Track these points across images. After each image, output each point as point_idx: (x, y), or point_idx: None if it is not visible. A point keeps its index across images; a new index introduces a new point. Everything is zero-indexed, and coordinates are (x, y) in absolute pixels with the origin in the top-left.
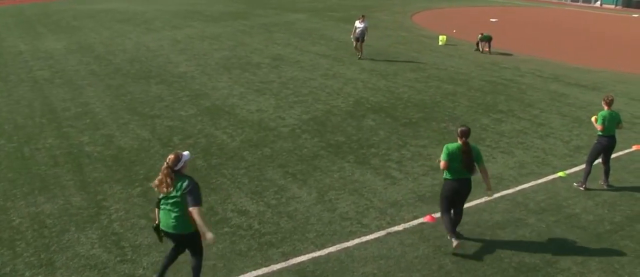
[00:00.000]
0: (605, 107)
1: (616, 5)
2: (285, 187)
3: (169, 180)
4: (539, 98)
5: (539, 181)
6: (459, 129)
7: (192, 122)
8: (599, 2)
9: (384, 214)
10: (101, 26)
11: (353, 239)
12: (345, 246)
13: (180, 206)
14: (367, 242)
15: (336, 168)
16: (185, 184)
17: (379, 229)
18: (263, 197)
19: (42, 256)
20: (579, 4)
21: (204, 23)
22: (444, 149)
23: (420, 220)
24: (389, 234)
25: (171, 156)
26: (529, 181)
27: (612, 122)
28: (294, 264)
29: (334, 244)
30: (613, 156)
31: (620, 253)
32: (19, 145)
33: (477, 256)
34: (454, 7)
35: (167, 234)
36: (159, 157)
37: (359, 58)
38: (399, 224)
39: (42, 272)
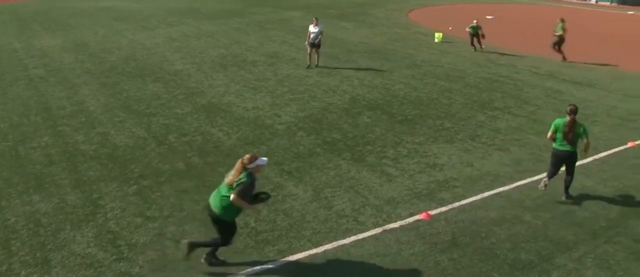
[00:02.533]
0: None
1: (612, 2)
2: (281, 184)
3: (236, 172)
4: (535, 95)
5: (535, 178)
6: (568, 107)
7: (188, 120)
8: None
9: (380, 212)
10: (97, 24)
11: (349, 236)
12: (342, 243)
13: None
14: (363, 239)
15: (332, 165)
16: (242, 176)
17: (375, 226)
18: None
19: (37, 255)
20: (575, 0)
21: (199, 21)
22: (552, 123)
23: (417, 217)
24: (385, 231)
25: (248, 155)
26: (525, 178)
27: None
28: (290, 262)
29: (330, 242)
30: (609, 152)
31: (615, 249)
32: (14, 143)
33: (473, 253)
34: (450, 4)
35: (210, 212)
36: (155, 155)
37: (316, 65)
38: (395, 221)
39: (38, 271)
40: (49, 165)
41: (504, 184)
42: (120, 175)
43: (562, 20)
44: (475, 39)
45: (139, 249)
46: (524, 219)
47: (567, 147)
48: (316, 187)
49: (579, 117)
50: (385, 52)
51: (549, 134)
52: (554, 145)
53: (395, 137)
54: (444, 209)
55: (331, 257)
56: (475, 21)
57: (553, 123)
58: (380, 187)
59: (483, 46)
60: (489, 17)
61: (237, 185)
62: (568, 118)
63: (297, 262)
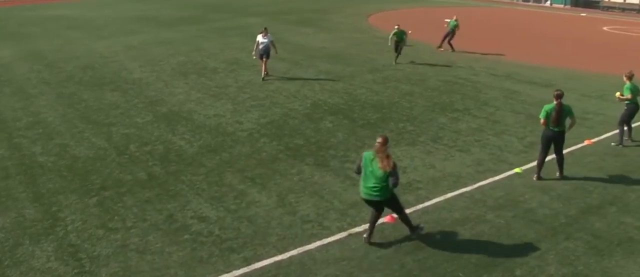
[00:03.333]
0: (626, 81)
1: (565, 4)
2: (244, 191)
3: (386, 158)
4: (494, 96)
5: (496, 178)
6: (555, 92)
7: (148, 129)
8: (549, 2)
9: (345, 216)
10: (51, 33)
11: (314, 241)
12: (307, 248)
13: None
14: (328, 244)
15: (295, 171)
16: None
17: (340, 230)
18: (223, 202)
19: None
20: (529, 3)
21: (158, 28)
22: (543, 109)
23: (381, 220)
24: (350, 235)
25: (381, 139)
26: (487, 178)
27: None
28: (256, 269)
29: (295, 247)
30: (566, 151)
31: (575, 245)
32: None
33: (438, 254)
34: (409, 8)
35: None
36: (116, 165)
37: (263, 79)
38: (360, 224)
39: None
40: (5, 178)
41: (466, 185)
42: (81, 187)
43: (455, 19)
44: (398, 47)
45: (102, 262)
46: (487, 218)
47: (557, 128)
48: (280, 193)
49: (536, 117)
50: (346, 57)
51: (542, 120)
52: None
53: (358, 141)
54: (408, 211)
55: (297, 263)
56: (397, 26)
57: (543, 109)
58: (344, 191)
59: (399, 56)
60: (447, 20)
61: (393, 170)
62: (555, 102)
63: (263, 269)
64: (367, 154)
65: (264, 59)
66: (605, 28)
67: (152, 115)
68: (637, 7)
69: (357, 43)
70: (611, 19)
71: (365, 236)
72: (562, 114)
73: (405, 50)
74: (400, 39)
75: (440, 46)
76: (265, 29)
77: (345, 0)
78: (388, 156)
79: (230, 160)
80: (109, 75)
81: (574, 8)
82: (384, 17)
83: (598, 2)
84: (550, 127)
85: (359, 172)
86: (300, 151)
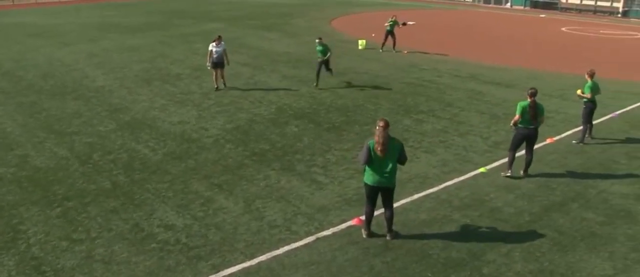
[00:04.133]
0: (588, 79)
1: (525, 6)
2: (211, 198)
3: (384, 140)
4: (458, 97)
5: (462, 178)
6: (529, 91)
7: (112, 137)
8: (509, 4)
9: (312, 220)
10: (10, 40)
11: (282, 246)
12: (275, 254)
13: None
14: (296, 248)
15: (262, 176)
16: (398, 144)
17: (307, 234)
18: (189, 210)
19: None
20: (490, 5)
21: (121, 35)
22: (518, 105)
23: (349, 223)
24: (318, 239)
25: (382, 122)
26: (452, 178)
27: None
28: (224, 276)
29: (263, 253)
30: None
31: (540, 242)
32: None
33: (406, 255)
34: (371, 12)
35: (374, 189)
36: (79, 175)
37: (222, 87)
38: (328, 228)
39: None
40: None
41: (432, 186)
42: (43, 198)
43: (394, 18)
44: (323, 65)
45: (66, 274)
46: (453, 218)
47: (533, 125)
48: (247, 199)
49: (500, 117)
50: (310, 61)
51: (516, 117)
52: (519, 125)
53: (324, 145)
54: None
55: (265, 268)
56: (318, 39)
57: (519, 106)
58: (311, 195)
59: (330, 70)
60: (411, 22)
61: (401, 154)
62: (530, 100)
63: (231, 276)
64: (372, 142)
65: (218, 70)
66: (563, 29)
67: (116, 123)
68: (592, 9)
69: None
70: (569, 20)
71: (366, 232)
72: (537, 111)
73: (369, 52)
74: (323, 54)
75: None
76: (219, 37)
77: (308, 5)
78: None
79: (196, 167)
80: (70, 84)
81: (533, 9)
82: (347, 21)
83: (556, 4)
84: (526, 125)
85: (366, 162)
86: (266, 156)
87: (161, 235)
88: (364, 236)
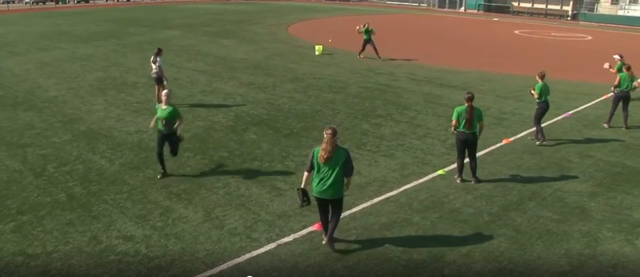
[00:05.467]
0: (539, 80)
1: (478, 10)
2: (170, 208)
3: (332, 149)
4: (415, 100)
5: (421, 181)
6: (466, 95)
7: (67, 148)
8: (463, 8)
9: (273, 226)
10: None
11: (244, 254)
12: (237, 262)
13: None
14: (258, 256)
15: (221, 184)
16: (343, 153)
17: (269, 241)
18: (148, 220)
19: None
20: (445, 9)
21: (73, 44)
22: (454, 110)
23: (309, 229)
24: (279, 245)
25: (330, 130)
26: (411, 181)
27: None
28: None
29: (224, 262)
30: (486, 150)
31: (499, 242)
32: None
33: (368, 259)
34: (327, 17)
35: (318, 199)
36: (33, 188)
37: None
38: (289, 234)
39: None
40: None
41: (391, 189)
42: None
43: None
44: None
45: None
46: (413, 221)
47: (469, 131)
48: (207, 208)
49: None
50: (267, 67)
51: (453, 121)
52: (457, 130)
53: (283, 151)
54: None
55: None
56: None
57: (455, 111)
58: (271, 202)
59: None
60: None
61: (346, 164)
62: (466, 104)
63: None
64: (317, 149)
65: (158, 85)
66: (516, 32)
67: (71, 134)
68: (543, 12)
69: (277, 53)
70: (521, 23)
71: (325, 238)
72: (473, 116)
73: (326, 58)
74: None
75: (361, 52)
76: (159, 49)
77: (265, 11)
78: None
79: (154, 176)
80: (22, 94)
81: (486, 13)
82: (304, 27)
83: (508, 8)
84: (463, 130)
85: (309, 169)
86: (225, 163)
87: (120, 247)
88: (324, 242)
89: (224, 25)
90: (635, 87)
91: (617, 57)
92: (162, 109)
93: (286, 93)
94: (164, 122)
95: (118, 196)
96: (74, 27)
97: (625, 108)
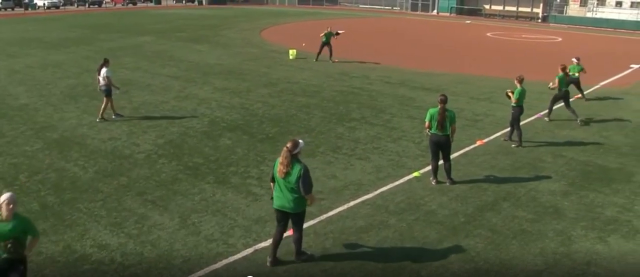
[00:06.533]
0: (518, 85)
1: (451, 13)
2: (145, 215)
3: (288, 164)
4: (389, 103)
5: (397, 183)
6: (439, 97)
7: (39, 157)
8: (435, 11)
9: (250, 232)
10: None
11: (220, 260)
12: (214, 268)
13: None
14: (235, 261)
15: (197, 190)
16: (298, 168)
17: (245, 247)
18: (123, 228)
19: None
20: (418, 13)
21: (44, 50)
22: (427, 112)
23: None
24: (256, 250)
25: (290, 143)
26: (387, 184)
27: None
28: None
29: (201, 268)
30: (460, 152)
31: (475, 242)
32: None
33: (345, 262)
34: (300, 21)
35: (280, 212)
36: None
37: (99, 120)
38: (265, 239)
39: None
40: None
41: (367, 192)
42: None
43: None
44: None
45: None
46: (390, 223)
47: (442, 133)
48: (182, 214)
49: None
50: (241, 72)
51: (426, 123)
52: (430, 132)
53: (258, 156)
54: (312, 222)
55: None
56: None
57: (428, 112)
58: (247, 207)
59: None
60: (340, 31)
61: (301, 181)
62: (439, 106)
63: None
64: (277, 161)
65: (106, 99)
66: (488, 34)
67: (43, 142)
68: (514, 15)
69: (251, 58)
70: (493, 26)
71: (269, 260)
72: (446, 118)
73: (299, 62)
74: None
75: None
76: (105, 60)
77: (238, 16)
78: (289, 160)
79: (128, 184)
80: None
81: (459, 16)
82: (277, 31)
83: (480, 10)
84: (435, 132)
85: (271, 180)
86: (200, 169)
87: (95, 255)
88: (268, 264)
89: (196, 31)
90: (551, 88)
91: (574, 59)
92: (3, 223)
93: (261, 98)
94: (8, 244)
95: (92, 204)
96: (44, 34)
97: (568, 105)
